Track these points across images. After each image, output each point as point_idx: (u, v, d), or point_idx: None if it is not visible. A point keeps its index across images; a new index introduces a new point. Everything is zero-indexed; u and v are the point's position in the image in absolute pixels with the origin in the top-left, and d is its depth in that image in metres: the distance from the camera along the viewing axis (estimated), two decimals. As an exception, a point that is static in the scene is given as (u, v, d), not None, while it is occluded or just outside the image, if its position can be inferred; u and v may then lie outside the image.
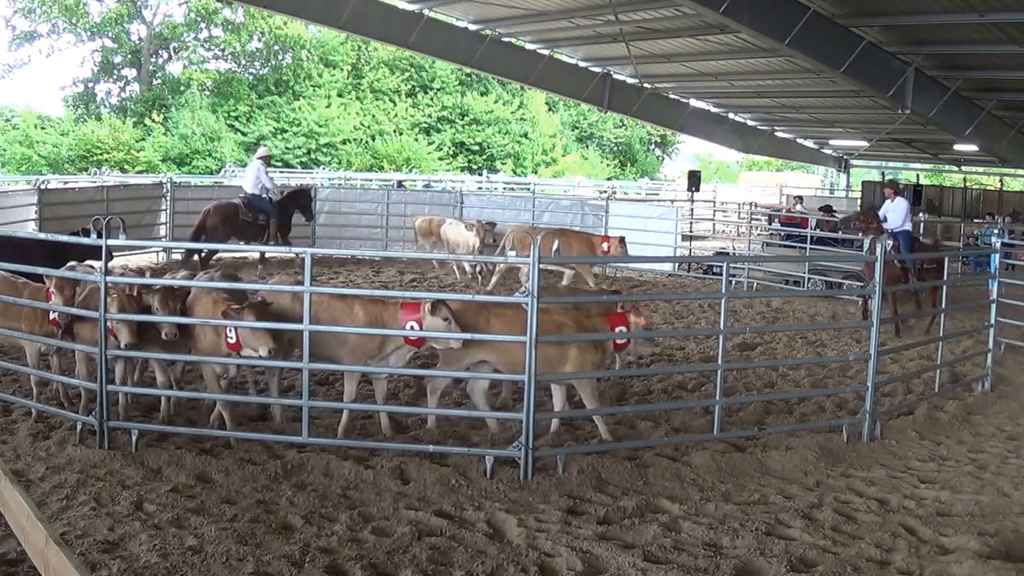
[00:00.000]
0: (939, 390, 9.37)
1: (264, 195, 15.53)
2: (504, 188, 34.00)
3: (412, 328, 6.99)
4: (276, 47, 44.56)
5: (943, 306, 10.35)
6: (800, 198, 24.96)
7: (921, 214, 21.12)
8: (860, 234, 14.39)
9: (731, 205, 29.22)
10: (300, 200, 16.65)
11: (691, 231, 22.28)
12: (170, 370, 7.72)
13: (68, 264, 8.25)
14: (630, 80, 26.30)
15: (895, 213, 13.72)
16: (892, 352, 10.32)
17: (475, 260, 15.49)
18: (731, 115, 30.56)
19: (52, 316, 7.43)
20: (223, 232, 14.87)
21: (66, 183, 26.41)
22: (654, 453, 7.20)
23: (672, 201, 29.14)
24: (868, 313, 12.82)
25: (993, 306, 10.23)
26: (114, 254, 13.20)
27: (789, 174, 46.63)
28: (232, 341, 6.93)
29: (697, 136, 33.04)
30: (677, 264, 18.66)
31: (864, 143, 29.92)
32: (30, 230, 14.88)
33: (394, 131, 44.12)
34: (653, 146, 55.62)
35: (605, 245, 14.17)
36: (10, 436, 7.17)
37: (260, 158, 16.05)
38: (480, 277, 15.53)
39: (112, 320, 6.93)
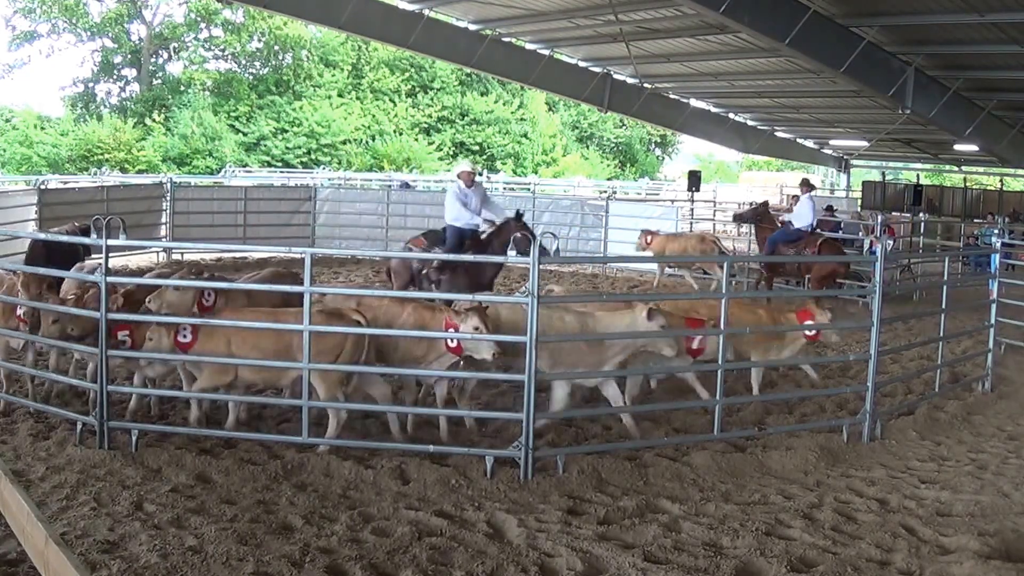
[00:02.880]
0: (939, 390, 9.36)
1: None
2: (504, 188, 33.96)
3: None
4: (276, 47, 44.53)
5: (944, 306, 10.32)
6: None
7: (921, 214, 21.08)
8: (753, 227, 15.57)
9: (731, 205, 29.14)
10: None
11: (691, 231, 22.21)
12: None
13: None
14: (630, 80, 26.30)
15: (798, 212, 14.78)
16: (892, 352, 10.31)
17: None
18: (731, 115, 30.56)
19: (18, 312, 7.46)
20: None
21: (66, 183, 26.38)
22: (654, 453, 7.20)
23: (672, 201, 29.09)
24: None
25: (993, 306, 10.22)
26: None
27: (789, 174, 46.58)
28: (453, 345, 7.04)
29: (697, 136, 33.04)
30: (677, 264, 18.59)
31: (864, 143, 29.91)
32: (30, 230, 14.88)
33: (394, 131, 44.10)
34: (653, 146, 55.57)
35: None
36: (10, 436, 7.17)
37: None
38: None
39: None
